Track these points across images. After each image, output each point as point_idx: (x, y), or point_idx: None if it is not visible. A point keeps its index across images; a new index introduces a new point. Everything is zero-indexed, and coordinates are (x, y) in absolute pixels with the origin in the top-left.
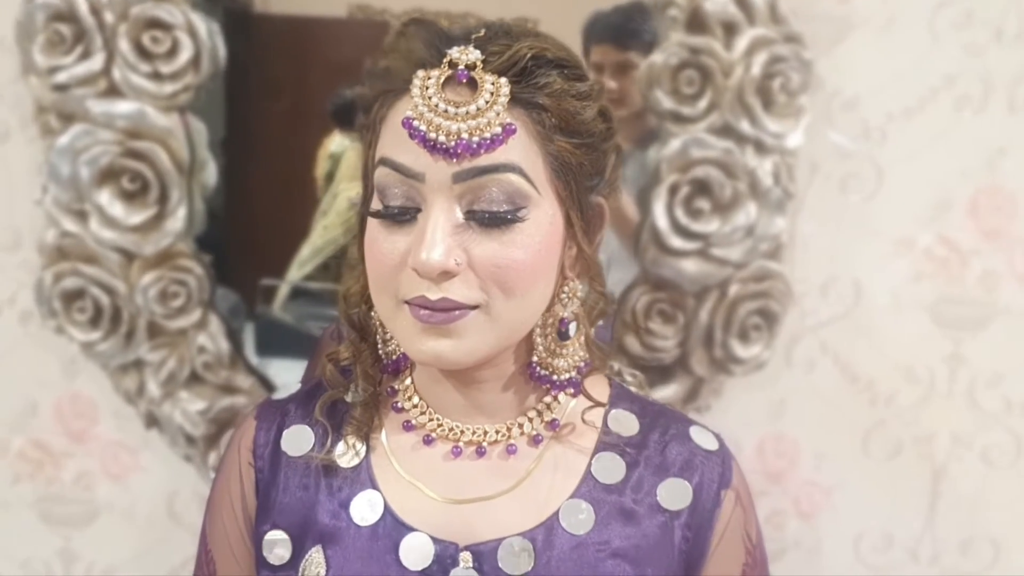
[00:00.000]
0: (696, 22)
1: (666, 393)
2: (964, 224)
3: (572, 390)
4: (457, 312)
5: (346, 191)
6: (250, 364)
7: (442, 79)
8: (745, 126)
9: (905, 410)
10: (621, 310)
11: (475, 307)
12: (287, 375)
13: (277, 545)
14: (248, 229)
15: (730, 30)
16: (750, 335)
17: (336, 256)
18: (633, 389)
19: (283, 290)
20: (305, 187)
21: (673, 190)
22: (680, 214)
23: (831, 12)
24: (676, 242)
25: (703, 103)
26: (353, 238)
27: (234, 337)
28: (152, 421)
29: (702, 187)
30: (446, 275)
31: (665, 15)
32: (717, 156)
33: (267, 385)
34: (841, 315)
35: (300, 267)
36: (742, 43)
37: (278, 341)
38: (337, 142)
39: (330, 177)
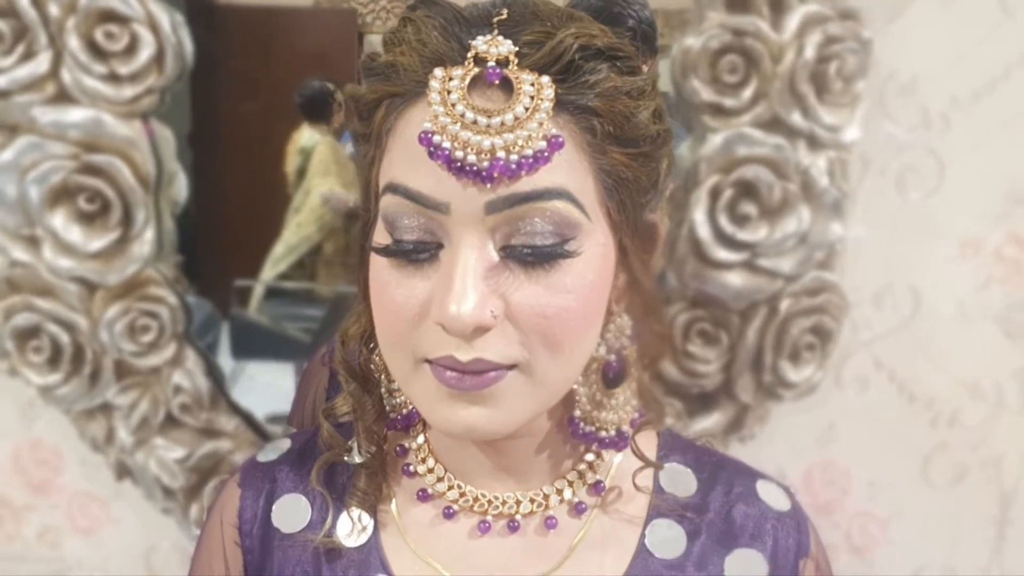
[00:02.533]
0: None
1: (707, 424)
2: None
3: (620, 445)
4: (492, 374)
5: (319, 187)
6: (233, 402)
7: (467, 80)
8: (796, 118)
9: (970, 431)
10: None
11: (513, 366)
12: (264, 376)
13: None
14: (219, 228)
15: (778, 7)
16: (802, 356)
17: (311, 253)
18: (670, 421)
19: (257, 290)
20: (275, 183)
21: (715, 193)
22: (724, 221)
23: None
24: (720, 253)
25: (748, 93)
26: (328, 233)
27: (215, 372)
28: (124, 471)
29: (748, 189)
30: (480, 330)
31: None
32: (765, 153)
33: (253, 426)
34: (898, 327)
35: (274, 266)
36: (793, 22)
37: (254, 343)
38: (307, 136)
39: (301, 173)
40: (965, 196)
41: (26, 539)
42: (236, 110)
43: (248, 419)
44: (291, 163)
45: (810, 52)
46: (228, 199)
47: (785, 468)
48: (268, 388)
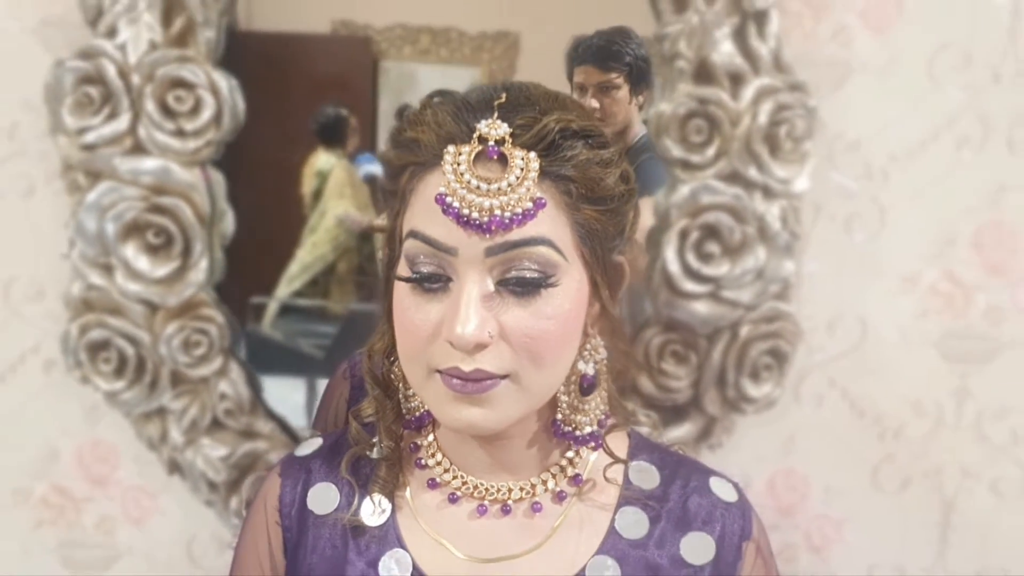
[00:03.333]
0: (703, 73)
1: (679, 433)
2: (968, 260)
3: (593, 444)
4: (489, 382)
5: (334, 208)
6: (269, 409)
7: (472, 155)
8: (753, 173)
9: (914, 443)
10: (634, 351)
11: (505, 376)
12: (276, 390)
13: None
14: (237, 247)
15: (736, 80)
16: (761, 375)
17: (325, 272)
18: (647, 430)
19: (272, 307)
20: (292, 204)
21: (683, 235)
22: (691, 258)
23: (832, 57)
24: (688, 285)
25: (711, 151)
26: (342, 253)
27: (254, 382)
28: (175, 467)
29: (712, 232)
30: (480, 347)
31: (673, 66)
32: (726, 202)
33: (286, 429)
34: (848, 351)
35: (289, 284)
36: (748, 93)
37: (268, 358)
38: (323, 160)
39: (317, 195)
40: (904, 238)
41: (85, 527)
42: (254, 134)
43: (282, 424)
44: (308, 185)
45: (763, 118)
46: (246, 219)
47: (751, 474)
48: (280, 403)
